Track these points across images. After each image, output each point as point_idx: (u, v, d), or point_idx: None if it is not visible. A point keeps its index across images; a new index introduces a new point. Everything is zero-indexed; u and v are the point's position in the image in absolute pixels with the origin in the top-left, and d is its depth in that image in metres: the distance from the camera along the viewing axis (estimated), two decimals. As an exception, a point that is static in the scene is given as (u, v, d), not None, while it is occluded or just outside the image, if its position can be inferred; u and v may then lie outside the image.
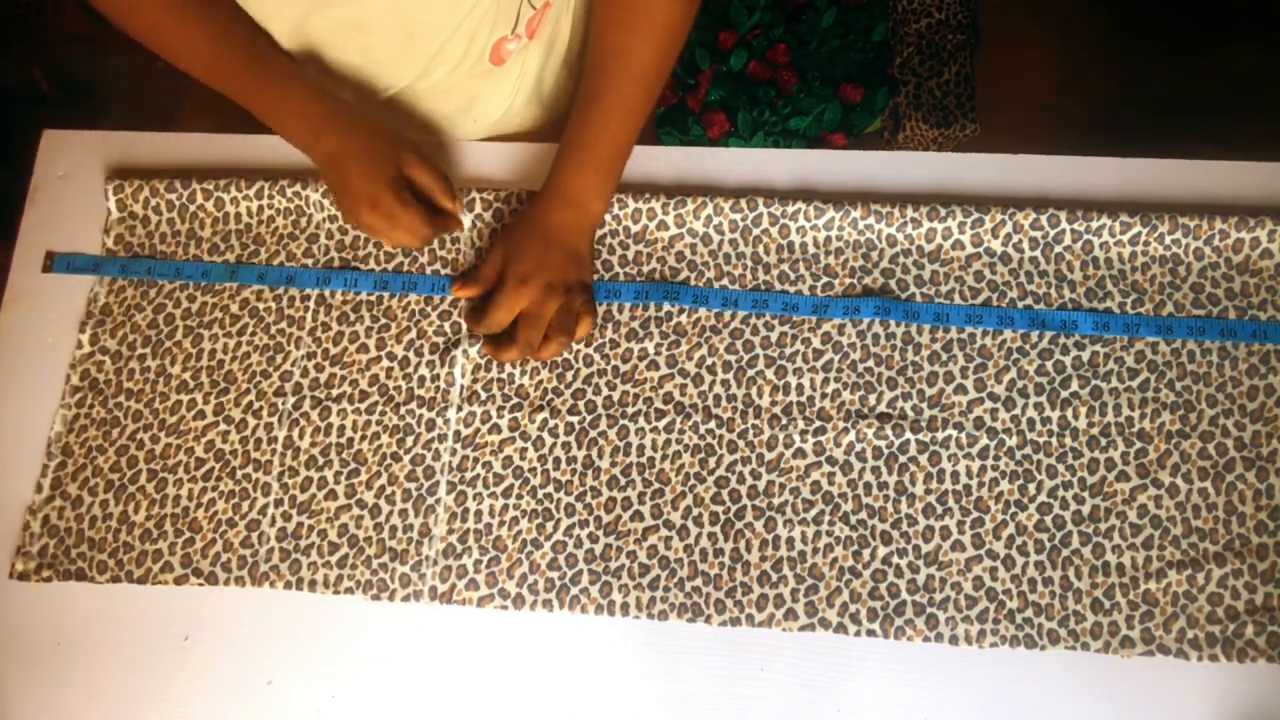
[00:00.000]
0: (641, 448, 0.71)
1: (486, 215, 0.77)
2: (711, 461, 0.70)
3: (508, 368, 0.73)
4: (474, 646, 0.68)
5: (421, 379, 0.73)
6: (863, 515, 0.69)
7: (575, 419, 0.72)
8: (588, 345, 0.73)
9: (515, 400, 0.72)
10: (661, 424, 0.71)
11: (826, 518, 0.69)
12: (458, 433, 0.72)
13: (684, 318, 0.74)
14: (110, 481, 0.72)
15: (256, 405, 0.73)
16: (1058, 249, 0.74)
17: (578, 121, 0.72)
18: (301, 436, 0.72)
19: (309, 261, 0.77)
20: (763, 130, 1.32)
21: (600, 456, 0.71)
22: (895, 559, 0.67)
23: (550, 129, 0.93)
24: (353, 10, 0.71)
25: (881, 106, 1.35)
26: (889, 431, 0.70)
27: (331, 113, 0.71)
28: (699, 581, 0.68)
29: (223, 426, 0.73)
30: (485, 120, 0.87)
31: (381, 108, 0.83)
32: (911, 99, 1.41)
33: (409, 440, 0.72)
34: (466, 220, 0.77)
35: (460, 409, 0.72)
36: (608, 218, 0.76)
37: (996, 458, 0.69)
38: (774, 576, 0.67)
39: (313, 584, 0.69)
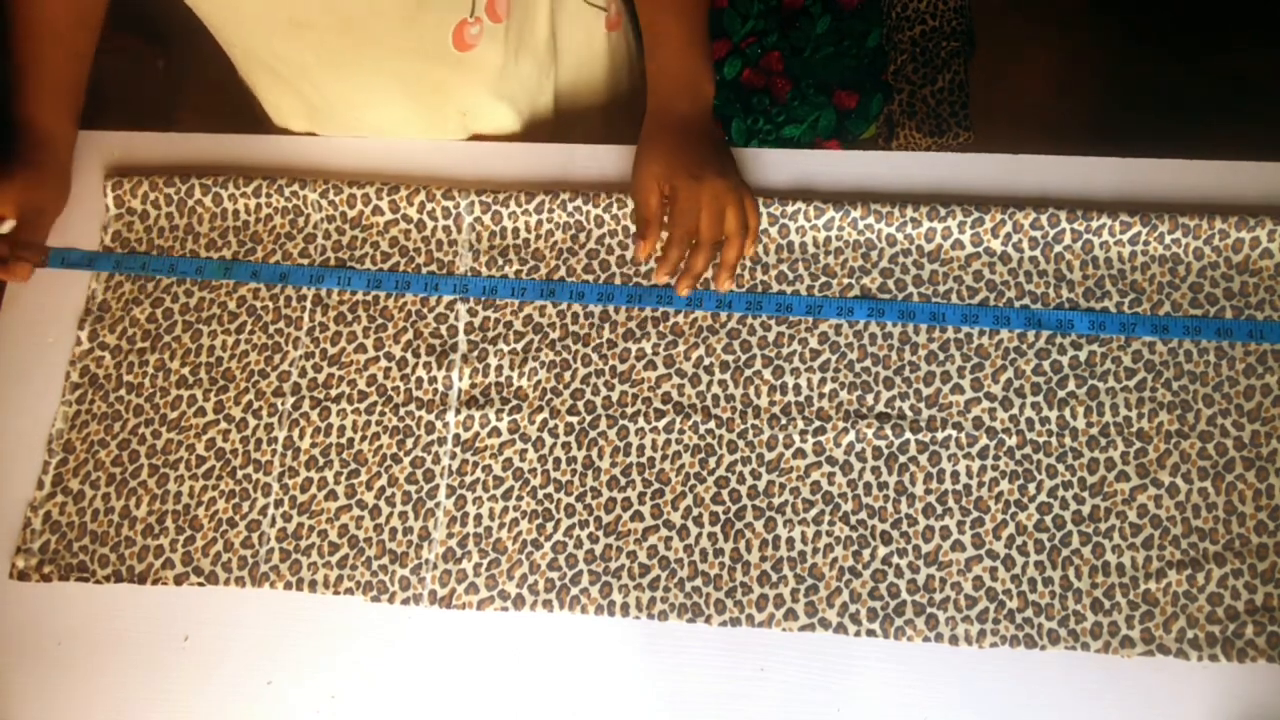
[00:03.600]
0: (641, 448, 0.71)
1: (485, 218, 0.77)
2: (711, 461, 0.70)
3: (505, 371, 0.73)
4: (474, 646, 0.68)
5: (419, 380, 0.73)
6: (863, 515, 0.69)
7: (575, 419, 0.72)
8: (585, 345, 0.73)
9: (515, 402, 0.72)
10: (661, 424, 0.71)
11: (826, 518, 0.69)
12: (457, 436, 0.72)
13: (680, 318, 0.74)
14: (112, 475, 0.72)
15: (256, 405, 0.73)
16: (1057, 249, 0.74)
17: (659, 11, 0.73)
18: (301, 437, 0.72)
19: (305, 261, 0.77)
20: (757, 138, 1.32)
21: (600, 457, 0.71)
22: (895, 559, 0.67)
23: (530, 135, 0.90)
24: (289, 9, 0.71)
25: (876, 113, 1.35)
26: (889, 431, 0.70)
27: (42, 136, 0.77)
28: (699, 581, 0.68)
29: (223, 425, 0.73)
30: (477, 118, 0.85)
31: (375, 118, 0.83)
32: (905, 107, 1.42)
33: (409, 442, 0.72)
34: (467, 219, 0.77)
35: (459, 412, 0.72)
36: (606, 218, 0.76)
37: (996, 457, 0.69)
38: (774, 576, 0.67)
39: (313, 584, 0.69)
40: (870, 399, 0.71)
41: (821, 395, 0.71)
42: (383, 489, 0.71)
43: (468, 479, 0.71)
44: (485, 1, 0.76)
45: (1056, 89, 1.73)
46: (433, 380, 0.73)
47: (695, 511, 0.69)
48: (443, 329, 0.75)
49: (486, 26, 0.78)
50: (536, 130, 0.90)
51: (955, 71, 1.41)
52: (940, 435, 0.70)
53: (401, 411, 0.72)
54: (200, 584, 0.69)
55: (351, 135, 0.83)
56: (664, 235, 0.72)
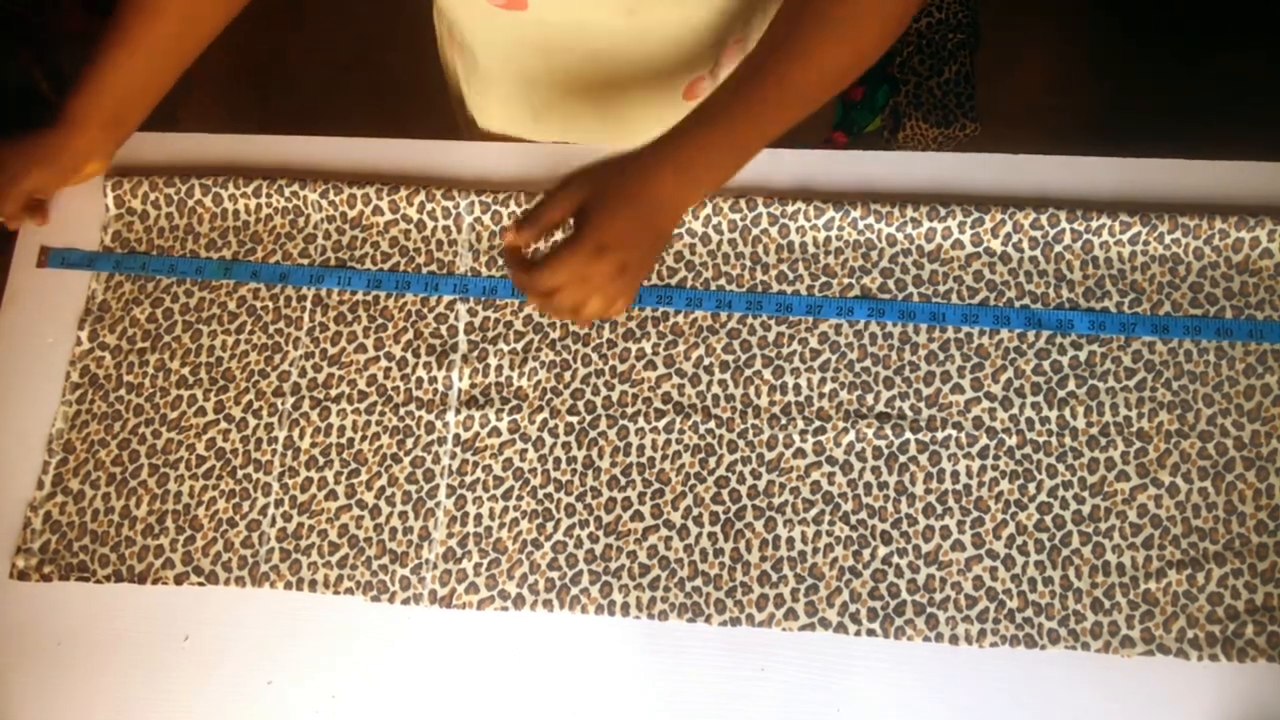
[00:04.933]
0: (641, 448, 0.71)
1: (485, 218, 0.77)
2: (711, 461, 0.70)
3: (505, 371, 0.73)
4: (474, 646, 0.68)
5: (420, 380, 0.73)
6: (863, 515, 0.69)
7: (575, 419, 0.72)
8: (585, 345, 0.73)
9: (515, 402, 0.72)
10: (661, 424, 0.71)
11: (826, 517, 0.69)
12: (457, 436, 0.72)
13: (680, 318, 0.74)
14: (112, 475, 0.72)
15: (256, 405, 0.73)
16: (1057, 248, 0.74)
17: (731, 91, 0.60)
18: (302, 437, 0.72)
19: (304, 261, 0.77)
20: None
21: (600, 457, 0.71)
22: (895, 559, 0.67)
23: None
24: (542, 31, 0.73)
25: (882, 105, 1.35)
26: (889, 431, 0.70)
27: (85, 106, 0.74)
28: (699, 581, 0.68)
29: (223, 425, 0.73)
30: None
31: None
32: (912, 98, 1.42)
33: (409, 442, 0.72)
34: (467, 219, 0.77)
35: (459, 412, 0.72)
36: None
37: (996, 457, 0.69)
38: (774, 576, 0.67)
39: (313, 584, 0.69)
40: (870, 399, 0.71)
41: (821, 395, 0.71)
42: (383, 489, 0.71)
43: (468, 479, 0.71)
44: (720, 56, 0.78)
45: (1056, 88, 1.73)
46: (433, 380, 0.73)
47: (695, 511, 0.69)
48: (443, 329, 0.75)
49: (716, 81, 0.80)
50: None
51: (961, 63, 1.42)
52: (940, 435, 0.70)
53: (401, 411, 0.72)
54: (200, 584, 0.69)
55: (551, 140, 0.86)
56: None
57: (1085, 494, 0.68)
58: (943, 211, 0.74)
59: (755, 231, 0.75)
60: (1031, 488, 0.69)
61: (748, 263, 0.75)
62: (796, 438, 0.70)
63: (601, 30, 0.72)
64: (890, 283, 0.74)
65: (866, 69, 0.61)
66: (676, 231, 0.75)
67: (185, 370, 0.75)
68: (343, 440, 0.72)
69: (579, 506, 0.70)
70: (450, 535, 0.69)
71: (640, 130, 0.83)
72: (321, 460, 0.72)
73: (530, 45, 0.75)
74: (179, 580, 0.69)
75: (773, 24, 0.62)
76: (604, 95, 0.80)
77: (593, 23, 0.71)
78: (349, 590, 0.69)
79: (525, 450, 0.71)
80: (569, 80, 0.79)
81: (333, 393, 0.73)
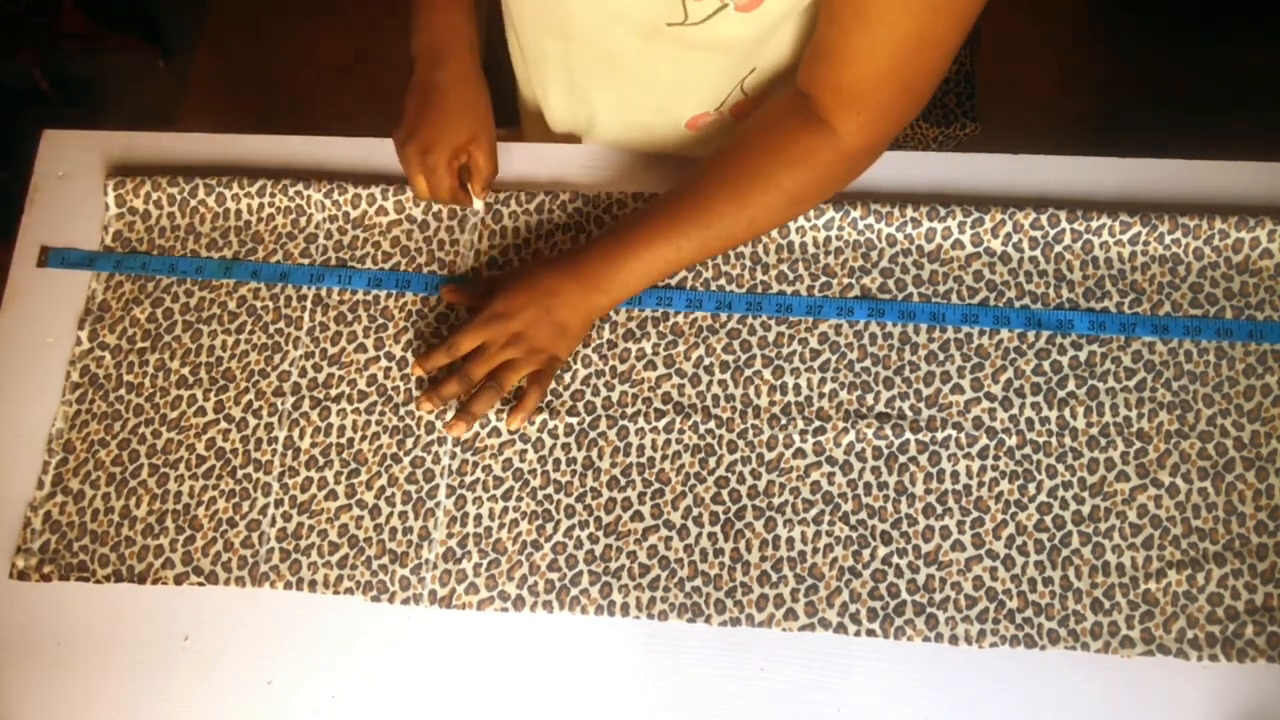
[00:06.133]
0: (641, 448, 0.71)
1: (486, 218, 0.77)
2: (711, 461, 0.70)
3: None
4: (474, 646, 0.68)
5: (420, 380, 0.73)
6: (863, 515, 0.69)
7: (575, 420, 0.72)
8: (584, 345, 0.73)
9: (514, 402, 0.72)
10: (661, 424, 0.71)
11: (826, 518, 0.69)
12: (457, 436, 0.72)
13: (680, 318, 0.74)
14: (112, 475, 0.72)
15: (256, 405, 0.73)
16: (1057, 249, 0.74)
17: (649, 218, 0.69)
18: (302, 437, 0.72)
19: (305, 261, 0.77)
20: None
21: (600, 457, 0.71)
22: (895, 559, 0.67)
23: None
24: (562, 11, 0.73)
25: (881, 106, 1.35)
26: (889, 431, 0.70)
27: (467, 51, 0.73)
28: (699, 581, 0.68)
29: (223, 425, 0.73)
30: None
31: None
32: (911, 98, 1.41)
33: (409, 442, 0.72)
34: (471, 219, 0.76)
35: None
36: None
37: (996, 458, 0.69)
38: (774, 576, 0.67)
39: (313, 584, 0.69)
40: (870, 399, 0.71)
41: (821, 395, 0.71)
42: (383, 489, 0.71)
43: (467, 479, 0.71)
44: (735, 102, 0.78)
45: (1057, 87, 1.73)
46: (434, 380, 0.73)
47: (695, 511, 0.69)
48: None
49: (722, 119, 0.80)
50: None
51: (962, 63, 1.41)
52: (940, 435, 0.70)
53: (401, 411, 0.73)
54: (200, 584, 0.69)
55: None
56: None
57: (1085, 494, 0.68)
58: (943, 211, 0.74)
59: (755, 231, 0.75)
60: (1031, 488, 0.69)
61: (748, 263, 0.75)
62: (796, 438, 0.70)
63: (620, 44, 0.73)
64: (890, 283, 0.74)
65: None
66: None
67: (185, 370, 0.75)
68: (343, 440, 0.72)
69: (579, 507, 0.70)
70: (450, 535, 0.69)
71: (638, 132, 0.84)
72: (321, 460, 0.72)
73: (550, 31, 0.76)
74: (179, 580, 0.69)
75: (702, 164, 0.70)
76: (612, 92, 0.80)
77: (611, 35, 0.72)
78: (349, 590, 0.69)
79: (525, 451, 0.71)
80: (587, 71, 0.79)
81: (333, 392, 0.73)
